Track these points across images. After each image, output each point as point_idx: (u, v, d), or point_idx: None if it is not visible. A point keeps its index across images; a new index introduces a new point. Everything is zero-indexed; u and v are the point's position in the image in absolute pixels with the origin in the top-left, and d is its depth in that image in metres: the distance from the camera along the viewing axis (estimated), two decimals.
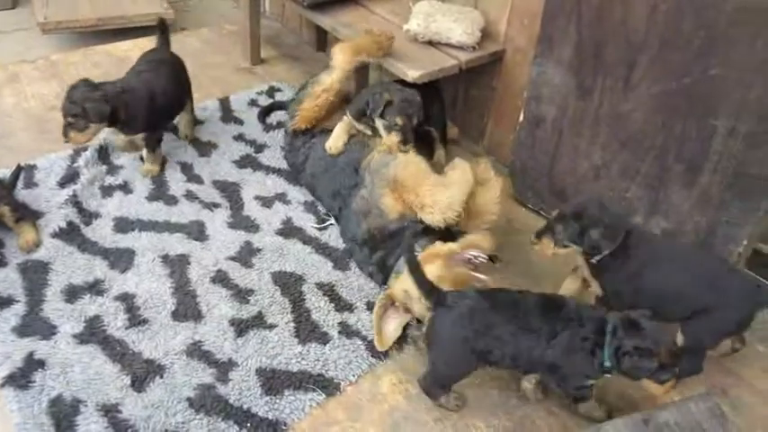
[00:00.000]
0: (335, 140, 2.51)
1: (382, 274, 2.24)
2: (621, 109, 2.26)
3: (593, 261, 2.00)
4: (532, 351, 1.78)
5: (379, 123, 2.40)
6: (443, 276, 1.97)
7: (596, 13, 2.19)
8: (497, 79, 2.85)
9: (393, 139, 2.36)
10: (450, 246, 2.07)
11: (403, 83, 2.61)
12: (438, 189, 2.18)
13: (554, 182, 2.58)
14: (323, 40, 3.81)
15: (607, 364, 1.74)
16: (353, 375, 2.02)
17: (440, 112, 2.85)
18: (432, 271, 1.95)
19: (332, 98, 2.60)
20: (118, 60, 3.57)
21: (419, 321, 2.11)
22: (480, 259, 2.01)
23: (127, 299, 2.18)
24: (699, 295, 1.93)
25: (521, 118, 2.60)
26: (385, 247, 2.23)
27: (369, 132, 2.50)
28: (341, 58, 2.58)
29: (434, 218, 2.17)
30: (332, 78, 2.59)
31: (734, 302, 1.92)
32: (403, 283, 2.06)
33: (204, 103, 3.23)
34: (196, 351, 2.03)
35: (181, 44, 3.80)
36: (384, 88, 2.46)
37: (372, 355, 2.08)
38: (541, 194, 2.65)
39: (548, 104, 2.47)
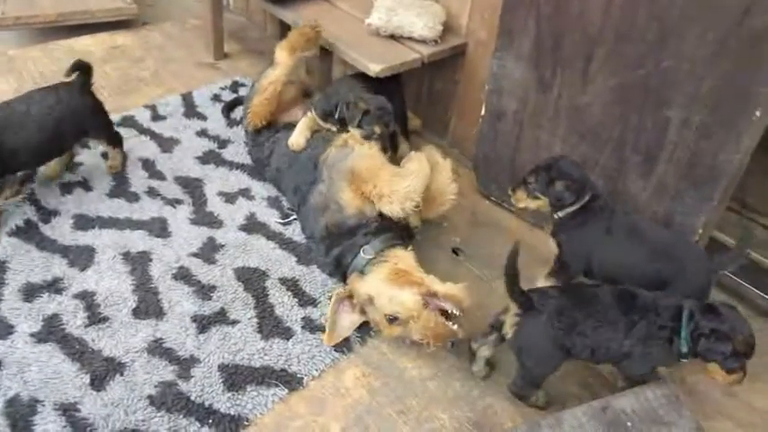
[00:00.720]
0: (298, 137, 2.50)
1: (339, 272, 2.24)
2: (580, 101, 2.29)
3: (556, 216, 2.07)
4: (611, 343, 1.81)
5: (356, 132, 2.40)
6: (416, 313, 1.97)
7: (554, 7, 2.21)
8: (460, 73, 2.86)
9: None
10: (433, 285, 2.04)
11: (365, 77, 2.61)
12: (396, 179, 2.20)
13: (516, 174, 2.59)
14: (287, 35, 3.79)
15: (684, 349, 1.76)
16: (316, 370, 2.02)
17: (400, 105, 2.85)
18: (407, 300, 1.98)
19: (279, 89, 2.62)
20: (80, 56, 3.48)
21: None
22: (455, 313, 2.00)
23: (86, 297, 2.15)
24: (658, 267, 2.00)
25: (483, 111, 2.61)
26: (341, 244, 2.22)
27: (333, 130, 2.49)
28: (280, 56, 2.65)
29: (393, 208, 2.18)
30: (276, 73, 2.62)
31: (692, 272, 1.99)
32: (370, 288, 2.06)
33: (166, 98, 3.20)
34: (157, 348, 2.01)
35: (143, 39, 3.78)
36: (355, 94, 2.46)
37: (335, 350, 2.08)
38: (504, 187, 2.65)
39: (508, 98, 2.49)
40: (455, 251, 2.51)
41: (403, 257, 2.15)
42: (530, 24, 2.31)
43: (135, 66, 3.50)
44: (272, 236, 2.47)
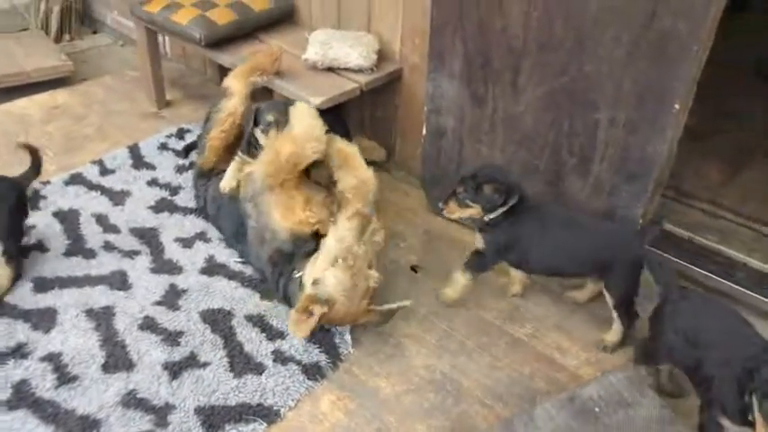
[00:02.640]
0: (228, 180, 2.57)
1: (289, 303, 2.27)
2: (513, 112, 2.41)
3: (486, 219, 2.19)
4: None
5: (258, 135, 2.49)
6: (349, 245, 2.11)
7: (478, 26, 2.34)
8: (398, 97, 2.97)
9: (272, 134, 2.47)
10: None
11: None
12: (290, 134, 2.33)
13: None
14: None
15: None
16: (292, 400, 2.06)
17: (344, 136, 2.92)
18: (331, 245, 2.12)
19: (238, 121, 2.66)
20: (18, 119, 3.50)
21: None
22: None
23: (53, 358, 2.14)
24: (596, 252, 2.17)
25: (424, 132, 2.72)
26: (284, 273, 2.27)
27: None
28: (235, 85, 2.70)
29: (307, 151, 2.30)
30: (233, 102, 2.68)
31: (625, 249, 2.16)
32: (308, 282, 2.13)
33: (113, 152, 3.21)
34: (131, 400, 2.02)
35: (83, 96, 3.80)
36: (269, 102, 2.60)
37: (309, 378, 2.12)
38: None
39: (446, 116, 2.60)
40: (413, 269, 2.58)
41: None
42: (457, 45, 2.43)
43: (78, 123, 3.51)
44: (233, 276, 2.51)
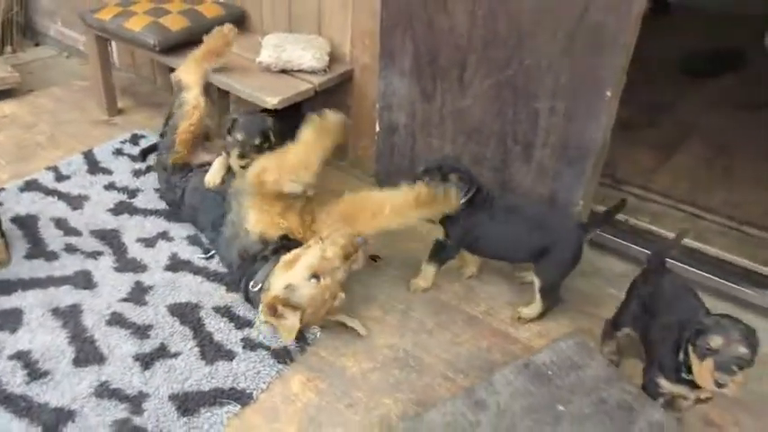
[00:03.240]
0: (214, 175, 2.65)
1: (248, 301, 2.35)
2: (461, 105, 2.57)
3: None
4: None
5: (228, 141, 2.60)
6: (324, 253, 2.20)
7: (427, 25, 2.50)
8: (350, 97, 3.09)
9: (234, 152, 2.57)
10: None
11: (267, 112, 2.79)
12: (289, 155, 2.39)
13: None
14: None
15: None
16: (264, 383, 2.14)
17: None
18: (312, 256, 2.19)
19: (203, 114, 2.74)
20: None
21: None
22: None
23: (22, 356, 2.17)
24: (536, 239, 2.31)
25: (377, 128, 2.85)
26: (247, 273, 2.34)
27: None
28: (188, 77, 2.78)
29: (295, 185, 2.38)
30: (193, 94, 2.74)
31: (565, 239, 2.31)
32: (279, 282, 2.19)
33: (67, 159, 3.23)
34: (105, 391, 2.07)
35: (32, 106, 3.79)
36: (243, 112, 2.65)
37: (279, 362, 2.21)
38: None
39: (398, 112, 2.75)
40: (373, 258, 2.70)
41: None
42: (407, 44, 2.58)
43: (29, 132, 3.51)
44: (197, 271, 2.58)
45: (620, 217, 2.89)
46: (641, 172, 3.23)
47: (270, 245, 2.35)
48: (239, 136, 2.57)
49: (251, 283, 2.30)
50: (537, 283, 2.37)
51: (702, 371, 1.77)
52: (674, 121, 3.70)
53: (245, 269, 2.37)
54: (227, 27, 2.90)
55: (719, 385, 1.73)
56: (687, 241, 2.76)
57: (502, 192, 2.57)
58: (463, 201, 2.33)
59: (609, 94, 2.25)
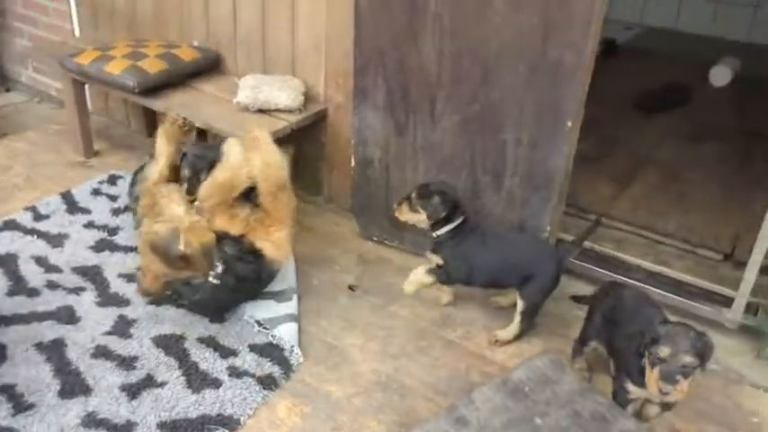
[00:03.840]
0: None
1: None
2: (433, 138, 2.71)
3: (435, 235, 2.45)
4: None
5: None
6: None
7: (398, 63, 2.65)
8: (325, 135, 3.22)
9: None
10: None
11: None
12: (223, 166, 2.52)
13: (391, 213, 2.95)
14: (153, 126, 3.97)
15: None
16: (250, 409, 2.19)
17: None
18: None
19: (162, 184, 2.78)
20: None
21: None
22: None
23: (7, 390, 2.19)
24: (524, 265, 2.44)
25: (352, 163, 2.97)
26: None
27: None
28: (160, 143, 2.84)
29: (243, 182, 2.50)
30: (158, 168, 2.80)
31: (547, 264, 2.45)
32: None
33: (45, 200, 3.27)
34: (92, 421, 2.10)
35: (6, 149, 3.84)
36: (195, 145, 2.80)
37: (264, 388, 2.27)
38: (382, 226, 3.03)
39: (372, 146, 2.88)
40: (351, 288, 2.79)
41: None
42: (379, 81, 2.73)
43: (5, 174, 3.54)
44: (180, 304, 2.63)
45: (586, 244, 3.03)
46: (602, 201, 3.39)
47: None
48: (186, 172, 2.66)
49: None
50: (521, 305, 2.47)
51: (650, 379, 1.91)
52: (629, 153, 3.90)
53: None
54: (179, 120, 2.91)
55: (663, 393, 1.86)
56: (649, 265, 2.92)
57: (486, 221, 2.65)
58: (441, 231, 2.45)
59: (569, 124, 2.42)
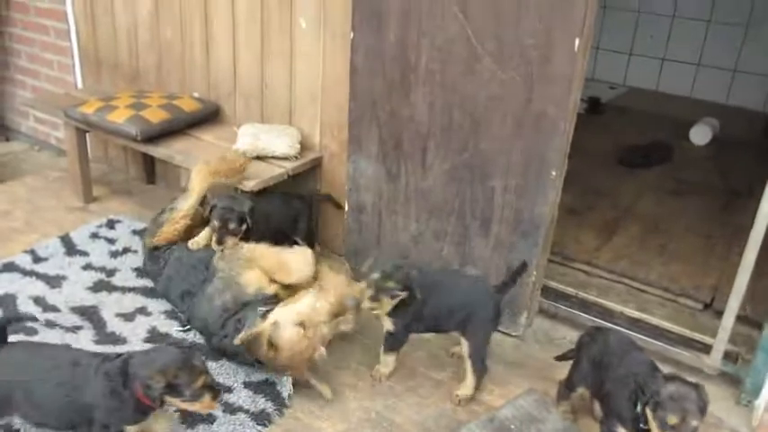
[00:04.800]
0: (199, 241, 2.85)
1: (237, 333, 2.45)
2: (423, 185, 2.84)
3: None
4: None
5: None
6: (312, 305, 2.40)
7: (390, 114, 2.80)
8: (320, 182, 3.35)
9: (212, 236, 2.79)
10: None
11: (274, 193, 3.09)
12: (287, 255, 2.64)
13: (383, 256, 3.05)
14: (152, 173, 4.11)
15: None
16: None
17: (305, 223, 3.25)
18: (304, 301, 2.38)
19: (190, 222, 2.91)
20: None
21: None
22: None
23: (3, 426, 2.22)
24: (462, 307, 2.47)
25: (346, 208, 3.09)
26: (239, 313, 2.52)
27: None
28: (197, 181, 2.92)
29: (291, 277, 2.59)
30: (189, 204, 2.92)
31: (482, 304, 2.49)
32: (269, 322, 2.37)
33: (44, 242, 3.34)
34: None
35: (6, 195, 3.93)
36: (223, 197, 2.85)
37: (258, 423, 2.32)
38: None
39: (365, 192, 3.00)
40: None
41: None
42: (373, 131, 2.87)
43: (4, 218, 3.62)
44: (175, 343, 2.68)
45: (571, 291, 3.14)
46: (586, 251, 3.50)
47: (264, 299, 2.53)
48: (216, 222, 2.77)
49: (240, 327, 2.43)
50: (466, 348, 2.48)
51: None
52: (612, 206, 4.05)
53: (230, 315, 2.51)
54: (245, 159, 3.07)
55: None
56: (631, 312, 3.02)
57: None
58: (397, 300, 2.42)
59: (554, 173, 2.55)
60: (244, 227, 2.81)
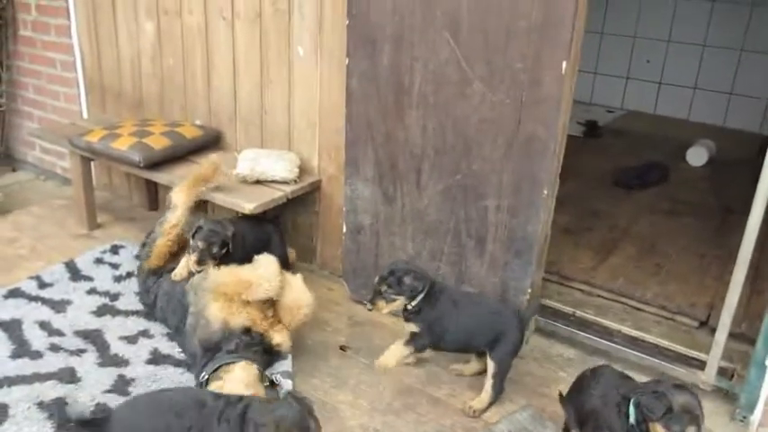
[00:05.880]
0: (180, 271, 2.88)
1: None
2: (419, 206, 2.90)
3: (410, 307, 2.50)
4: None
5: (191, 245, 2.85)
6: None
7: (385, 137, 2.88)
8: (318, 204, 3.42)
9: (192, 258, 2.81)
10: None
11: (246, 218, 3.10)
12: (248, 273, 2.68)
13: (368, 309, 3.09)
14: (154, 200, 4.18)
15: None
16: None
17: (279, 243, 3.30)
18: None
19: (181, 232, 2.99)
20: None
21: None
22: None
23: None
24: (493, 326, 2.54)
25: (344, 229, 3.15)
26: (209, 360, 2.51)
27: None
28: (180, 197, 3.04)
29: (259, 292, 2.62)
30: (176, 215, 3.01)
31: (512, 326, 2.55)
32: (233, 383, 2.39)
33: (49, 268, 3.41)
34: None
35: (12, 223, 4.01)
36: (208, 220, 2.93)
37: None
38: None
39: (363, 214, 3.07)
40: (342, 348, 2.91)
41: (234, 378, 2.42)
42: (369, 153, 2.95)
43: (10, 245, 3.69)
44: (178, 363, 2.73)
45: (568, 309, 3.17)
46: (583, 270, 3.54)
47: (233, 336, 2.54)
48: (200, 244, 2.81)
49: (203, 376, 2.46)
50: (492, 368, 2.53)
51: None
52: (608, 227, 4.09)
53: (208, 359, 2.52)
54: (216, 158, 3.22)
55: None
56: (628, 330, 3.05)
57: (448, 284, 2.74)
58: (415, 302, 2.49)
59: (546, 192, 2.61)
60: (224, 251, 2.85)
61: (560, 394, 2.47)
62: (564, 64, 2.43)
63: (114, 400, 2.49)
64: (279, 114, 3.43)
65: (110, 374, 2.64)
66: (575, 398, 2.29)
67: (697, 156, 5.29)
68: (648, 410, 2.00)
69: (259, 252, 2.92)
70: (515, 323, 2.57)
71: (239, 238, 2.94)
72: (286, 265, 3.30)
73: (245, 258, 2.83)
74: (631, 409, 2.07)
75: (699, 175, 5.13)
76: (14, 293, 3.17)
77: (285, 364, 2.71)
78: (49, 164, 4.82)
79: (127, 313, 3.05)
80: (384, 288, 2.49)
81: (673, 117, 6.32)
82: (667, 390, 2.02)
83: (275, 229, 3.32)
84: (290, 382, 2.60)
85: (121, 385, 2.59)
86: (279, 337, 2.69)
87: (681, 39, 6.17)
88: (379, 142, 2.91)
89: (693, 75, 6.19)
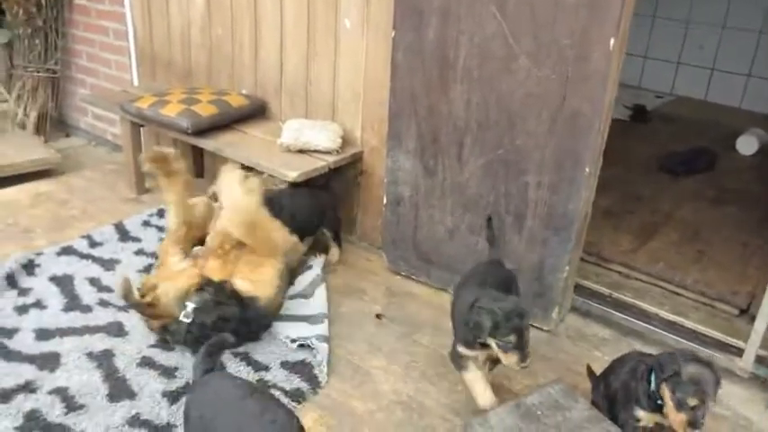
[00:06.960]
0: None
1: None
2: (459, 180, 2.92)
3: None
4: None
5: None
6: None
7: (428, 110, 2.90)
8: (360, 176, 3.46)
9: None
10: None
11: (295, 186, 3.16)
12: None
13: (418, 248, 3.16)
14: (200, 166, 4.28)
15: None
16: None
17: (333, 214, 3.37)
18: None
19: (185, 232, 2.99)
20: (7, 205, 3.80)
21: None
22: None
23: (61, 392, 2.38)
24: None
25: (384, 201, 3.20)
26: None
27: None
28: (166, 195, 3.03)
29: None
30: (170, 221, 3.00)
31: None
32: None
33: (100, 229, 3.53)
34: (136, 421, 2.27)
35: (65, 185, 4.15)
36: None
37: (292, 400, 2.42)
38: (410, 261, 3.22)
39: (403, 186, 3.10)
40: (378, 316, 2.97)
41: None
42: (412, 126, 2.97)
43: (63, 206, 3.84)
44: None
45: (605, 291, 3.17)
46: (623, 253, 3.52)
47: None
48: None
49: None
50: None
51: (677, 420, 2.01)
52: (651, 211, 4.05)
53: None
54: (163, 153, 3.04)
55: None
56: (666, 314, 3.03)
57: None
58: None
59: (588, 170, 2.60)
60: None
61: (588, 367, 2.50)
62: (612, 41, 2.41)
63: (159, 354, 2.60)
64: (324, 86, 3.47)
65: None
66: (604, 379, 2.35)
67: (747, 144, 5.17)
68: (658, 368, 2.05)
69: (313, 222, 3.00)
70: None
71: (288, 209, 3.01)
72: (338, 238, 3.41)
73: (303, 226, 2.94)
74: (652, 376, 2.11)
75: (747, 165, 5.02)
76: (67, 251, 3.30)
77: (322, 329, 2.77)
78: (100, 130, 4.97)
79: None
80: (496, 342, 2.24)
81: (724, 104, 6.17)
82: (684, 357, 2.04)
83: (332, 198, 3.38)
84: (325, 345, 2.66)
85: (166, 340, 2.69)
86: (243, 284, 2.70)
87: (736, 24, 6.00)
88: (423, 116, 2.93)
89: (748, 62, 6.02)
